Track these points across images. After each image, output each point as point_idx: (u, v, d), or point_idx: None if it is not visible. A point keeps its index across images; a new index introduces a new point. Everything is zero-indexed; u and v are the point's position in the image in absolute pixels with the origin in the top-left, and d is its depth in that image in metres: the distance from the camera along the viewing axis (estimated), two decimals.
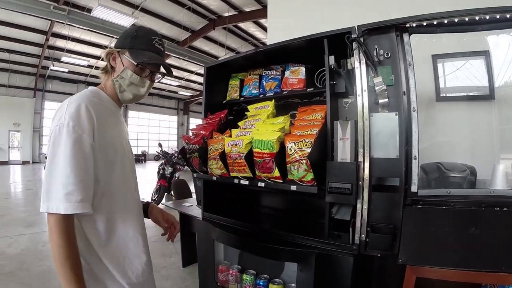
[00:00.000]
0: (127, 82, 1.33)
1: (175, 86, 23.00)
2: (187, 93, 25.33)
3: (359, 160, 1.56)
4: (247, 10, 12.45)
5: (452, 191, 1.56)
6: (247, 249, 2.04)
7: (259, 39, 15.42)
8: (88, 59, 16.74)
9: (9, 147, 19.07)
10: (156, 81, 1.44)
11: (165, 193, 7.75)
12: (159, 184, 7.98)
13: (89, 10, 11.22)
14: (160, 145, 9.32)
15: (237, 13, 12.99)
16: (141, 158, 24.28)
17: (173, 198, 6.60)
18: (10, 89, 18.56)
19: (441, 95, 2.20)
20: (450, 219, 1.46)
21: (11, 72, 18.02)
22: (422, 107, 2.10)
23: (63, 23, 11.60)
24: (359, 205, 1.56)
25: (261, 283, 2.05)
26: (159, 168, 8.63)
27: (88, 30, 12.60)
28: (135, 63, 1.30)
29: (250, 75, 2.41)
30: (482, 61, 2.08)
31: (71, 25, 12.04)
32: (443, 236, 1.42)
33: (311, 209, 2.06)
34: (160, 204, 7.16)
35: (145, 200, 1.58)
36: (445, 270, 1.32)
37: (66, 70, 18.30)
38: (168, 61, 17.62)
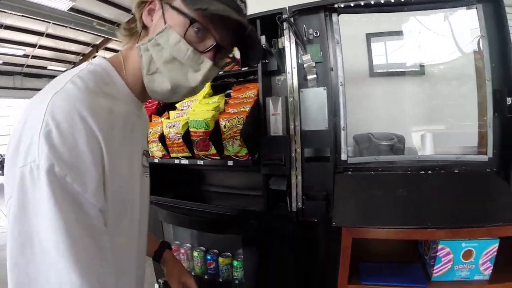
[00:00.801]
0: (167, 54, 0.77)
1: None
2: None
3: (291, 133, 1.67)
4: None
5: (380, 158, 1.70)
6: (194, 226, 2.10)
7: None
8: (24, 47, 15.80)
9: None
10: (222, 66, 0.93)
11: None
12: None
13: None
14: None
15: None
16: None
17: None
18: None
19: (375, 71, 2.34)
20: (378, 183, 1.59)
21: None
22: (357, 82, 2.25)
23: None
24: (293, 176, 1.67)
25: (210, 258, 2.13)
26: None
27: (22, 16, 11.81)
28: (190, 15, 0.74)
29: None
30: (413, 40, 2.22)
31: (3, 12, 11.26)
32: (373, 198, 1.55)
33: (251, 183, 2.14)
34: None
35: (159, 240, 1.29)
36: (377, 229, 1.42)
37: (0, 61, 17.20)
38: (110, 45, 16.89)
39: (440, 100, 2.13)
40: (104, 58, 0.83)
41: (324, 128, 1.63)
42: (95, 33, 14.06)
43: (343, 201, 1.55)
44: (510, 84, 1.47)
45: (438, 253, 1.47)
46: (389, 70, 2.33)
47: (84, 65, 0.77)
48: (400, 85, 2.31)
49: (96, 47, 17.34)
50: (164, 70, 0.78)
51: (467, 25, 1.73)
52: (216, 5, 0.73)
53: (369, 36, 2.34)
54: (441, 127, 2.10)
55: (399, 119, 2.24)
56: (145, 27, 0.82)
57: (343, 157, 1.65)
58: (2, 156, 13.64)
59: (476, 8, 1.54)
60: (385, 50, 2.33)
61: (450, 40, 2.00)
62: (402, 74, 2.29)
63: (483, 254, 1.44)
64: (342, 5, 1.62)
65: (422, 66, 2.19)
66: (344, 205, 1.53)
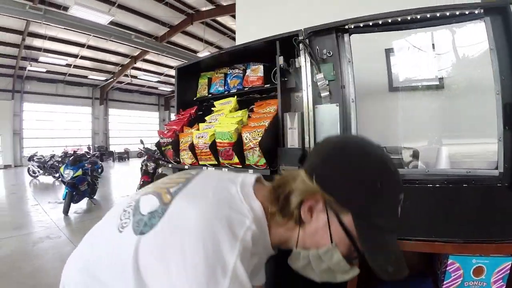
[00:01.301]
0: (325, 266, 0.81)
1: (155, 82, 22.95)
2: (168, 88, 25.30)
3: (305, 146, 1.80)
4: (224, 4, 12.52)
5: None
6: None
7: None
8: (66, 58, 16.66)
9: None
10: None
11: None
12: (142, 180, 8.10)
13: (66, 8, 11.18)
14: (142, 141, 9.43)
15: (214, 7, 13.10)
16: (124, 156, 24.31)
17: None
18: None
19: (394, 86, 2.40)
20: None
21: None
22: (377, 97, 2.34)
23: (40, 22, 11.48)
24: None
25: None
26: (142, 165, 8.77)
27: (65, 28, 12.49)
28: (360, 240, 0.75)
29: (217, 74, 2.62)
30: (431, 54, 2.28)
31: (48, 25, 11.93)
32: None
33: None
34: None
35: None
36: None
37: (44, 70, 18.10)
38: (147, 56, 17.62)
39: (456, 114, 2.16)
40: (260, 204, 0.84)
41: None
42: (133, 45, 14.71)
43: None
44: None
45: (447, 268, 1.47)
46: (408, 85, 2.37)
47: (247, 206, 0.81)
48: (417, 100, 2.34)
49: (134, 59, 18.05)
50: (317, 270, 0.83)
51: (477, 38, 1.74)
52: (390, 242, 0.78)
53: (388, 51, 2.39)
54: (456, 142, 2.11)
55: (415, 133, 2.27)
56: (300, 219, 0.81)
57: None
58: (43, 157, 14.36)
59: (484, 21, 1.53)
60: (402, 65, 2.37)
61: (463, 54, 2.05)
62: (423, 88, 2.31)
63: (495, 271, 1.43)
64: (352, 26, 1.74)
65: (440, 79, 2.22)
66: None
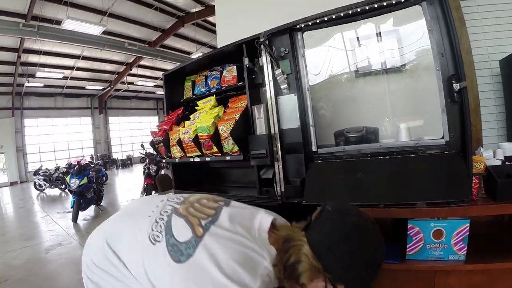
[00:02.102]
0: None
1: (151, 86, 23.05)
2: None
3: (272, 132, 2.08)
4: (214, 4, 12.56)
5: (346, 147, 1.99)
6: None
7: None
8: (63, 70, 16.83)
9: None
10: None
11: (153, 191, 8.07)
12: (146, 183, 8.38)
13: (58, 22, 11.31)
14: (142, 146, 9.64)
15: (204, 8, 13.21)
16: (127, 163, 24.55)
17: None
18: None
19: (359, 72, 2.56)
20: (341, 168, 1.88)
21: None
22: (346, 84, 2.55)
23: (34, 38, 11.66)
24: (276, 166, 2.07)
25: None
26: (144, 168, 9.08)
27: (59, 42, 12.63)
28: None
29: (199, 77, 2.91)
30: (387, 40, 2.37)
31: (42, 40, 12.10)
32: (336, 181, 1.85)
33: (251, 178, 2.45)
34: None
35: None
36: None
37: (42, 84, 18.33)
38: (142, 62, 17.82)
39: (409, 94, 2.30)
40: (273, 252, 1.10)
41: (297, 126, 2.01)
42: (127, 52, 14.83)
43: (312, 183, 1.90)
44: (457, 71, 1.60)
45: (408, 232, 1.61)
46: (371, 70, 2.47)
47: (266, 252, 1.08)
48: (375, 84, 2.46)
49: (129, 65, 18.21)
50: None
51: (418, 22, 1.88)
52: None
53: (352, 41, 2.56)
54: (409, 118, 2.23)
55: (375, 113, 2.43)
56: (298, 281, 1.06)
57: (314, 148, 2.04)
58: (48, 171, 14.62)
59: (421, 6, 1.72)
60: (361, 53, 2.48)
61: (407, 38, 2.19)
62: (384, 72, 2.40)
63: (454, 233, 1.55)
64: (303, 25, 2.01)
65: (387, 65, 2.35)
66: (313, 187, 1.89)
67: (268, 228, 1.17)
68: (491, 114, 2.71)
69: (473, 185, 1.58)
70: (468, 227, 1.54)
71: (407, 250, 1.64)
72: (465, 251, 1.57)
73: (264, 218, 1.21)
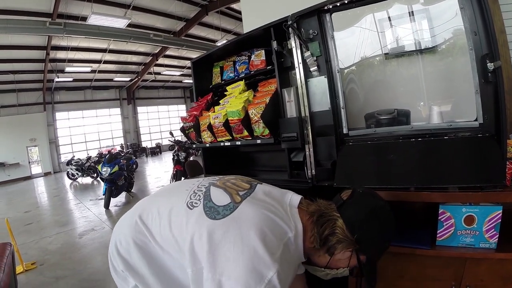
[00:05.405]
0: (334, 274, 1.27)
1: (178, 76, 23.40)
2: (191, 80, 25.53)
3: (302, 115, 2.08)
4: None
5: (377, 129, 1.96)
6: None
7: None
8: (91, 64, 17.27)
9: (29, 162, 19.69)
10: None
11: (182, 177, 8.21)
12: (175, 169, 8.57)
13: (84, 18, 11.65)
14: (171, 133, 9.80)
15: None
16: (156, 151, 25.18)
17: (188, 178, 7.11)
18: (21, 107, 19.10)
19: (389, 54, 2.58)
20: (372, 150, 1.87)
21: (18, 91, 18.57)
22: (376, 66, 2.50)
23: (61, 36, 12.01)
24: (307, 148, 2.07)
25: None
26: (173, 155, 9.24)
27: (85, 37, 12.98)
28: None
29: (227, 62, 2.93)
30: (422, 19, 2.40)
31: (69, 36, 12.46)
32: (367, 163, 1.86)
33: (280, 158, 2.48)
34: None
35: None
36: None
37: (71, 79, 18.90)
38: (168, 52, 18.01)
39: (442, 75, 2.29)
40: (301, 222, 1.23)
41: (328, 108, 2.01)
42: (153, 43, 15.04)
43: (343, 166, 1.90)
44: (491, 50, 1.52)
45: (439, 217, 1.57)
46: (403, 51, 2.50)
47: (293, 224, 1.20)
48: (407, 66, 2.38)
49: (155, 56, 18.46)
50: (329, 276, 1.28)
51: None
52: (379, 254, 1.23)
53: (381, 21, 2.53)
54: (441, 100, 2.15)
55: (406, 96, 2.34)
56: (330, 250, 1.19)
57: (345, 131, 2.03)
58: (80, 160, 15.14)
59: None
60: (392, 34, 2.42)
61: (439, 17, 2.09)
62: (405, 55, 2.34)
63: (486, 220, 1.50)
64: (331, 6, 1.98)
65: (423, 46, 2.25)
66: (344, 169, 1.89)
67: (297, 204, 1.30)
68: None
69: (507, 170, 1.50)
70: (501, 214, 1.48)
71: (437, 236, 1.62)
72: (497, 239, 1.51)
73: (294, 195, 1.35)
